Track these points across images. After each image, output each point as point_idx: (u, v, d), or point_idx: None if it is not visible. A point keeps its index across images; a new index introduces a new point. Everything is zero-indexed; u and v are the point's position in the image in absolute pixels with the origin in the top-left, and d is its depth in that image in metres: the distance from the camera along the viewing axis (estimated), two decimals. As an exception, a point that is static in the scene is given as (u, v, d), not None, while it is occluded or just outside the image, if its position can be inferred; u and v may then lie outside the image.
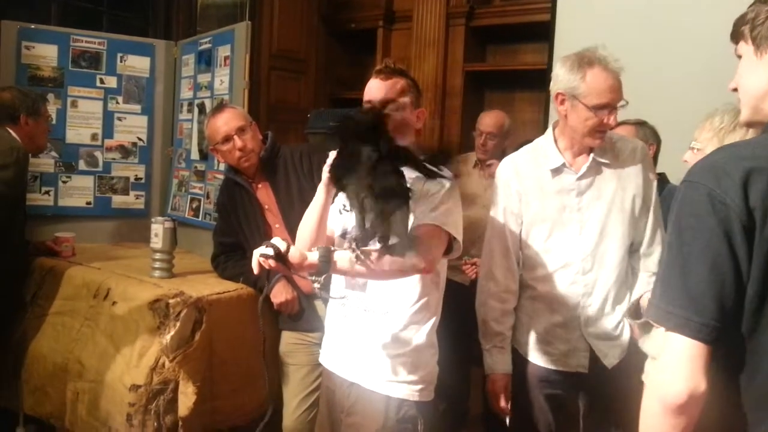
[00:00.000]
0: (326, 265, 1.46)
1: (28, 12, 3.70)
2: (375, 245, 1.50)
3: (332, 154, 1.58)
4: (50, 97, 3.34)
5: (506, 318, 2.01)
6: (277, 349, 2.49)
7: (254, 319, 2.46)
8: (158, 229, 2.59)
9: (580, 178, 1.90)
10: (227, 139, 2.42)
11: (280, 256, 1.44)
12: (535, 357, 1.99)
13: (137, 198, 3.65)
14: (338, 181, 1.47)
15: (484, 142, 3.23)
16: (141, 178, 3.65)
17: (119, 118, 3.58)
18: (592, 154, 1.89)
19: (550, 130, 1.99)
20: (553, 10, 3.02)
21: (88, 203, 3.52)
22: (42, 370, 2.67)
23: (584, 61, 1.81)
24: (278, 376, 2.46)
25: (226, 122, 2.43)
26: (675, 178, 2.13)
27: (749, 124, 1.15)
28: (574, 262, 1.91)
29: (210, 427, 2.42)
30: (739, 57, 1.13)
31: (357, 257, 1.47)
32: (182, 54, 3.62)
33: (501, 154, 3.22)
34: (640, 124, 2.38)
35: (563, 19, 2.98)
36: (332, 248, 1.54)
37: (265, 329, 2.25)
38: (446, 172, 1.72)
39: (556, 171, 1.93)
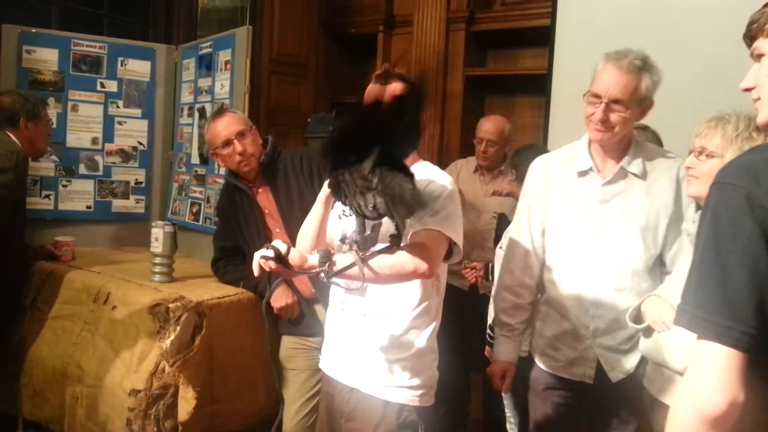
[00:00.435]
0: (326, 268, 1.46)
1: (29, 16, 3.71)
2: (375, 249, 1.50)
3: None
4: (51, 101, 3.36)
5: (518, 312, 2.00)
6: (278, 354, 2.48)
7: (254, 323, 2.47)
8: (158, 233, 2.59)
9: (605, 185, 1.87)
10: (227, 143, 2.42)
11: (281, 258, 1.44)
12: (542, 362, 1.99)
13: (137, 202, 3.65)
14: (336, 187, 1.46)
15: (485, 149, 3.20)
16: (141, 182, 3.65)
17: (120, 122, 3.58)
18: (621, 163, 1.86)
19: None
20: (553, 15, 3.02)
21: (89, 207, 3.52)
22: (41, 375, 2.67)
23: (609, 55, 1.81)
24: (278, 380, 2.46)
25: (226, 126, 2.43)
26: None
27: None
28: (588, 270, 1.88)
29: (210, 431, 2.41)
30: (759, 56, 1.09)
31: (361, 260, 1.47)
32: (183, 58, 3.63)
33: (503, 159, 3.22)
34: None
35: (563, 24, 2.99)
36: (332, 251, 1.54)
37: (270, 334, 2.26)
38: (445, 175, 1.72)
39: (583, 174, 1.90)
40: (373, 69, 4.19)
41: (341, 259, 1.49)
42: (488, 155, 3.20)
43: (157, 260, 2.63)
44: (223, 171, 2.89)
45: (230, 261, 2.60)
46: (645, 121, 1.98)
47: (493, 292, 2.08)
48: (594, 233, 1.88)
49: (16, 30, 3.32)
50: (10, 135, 2.70)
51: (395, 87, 1.74)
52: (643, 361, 1.83)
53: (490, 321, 2.50)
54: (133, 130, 3.62)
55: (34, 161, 3.05)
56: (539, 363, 1.99)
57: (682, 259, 1.77)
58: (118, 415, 2.33)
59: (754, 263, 0.94)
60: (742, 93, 1.15)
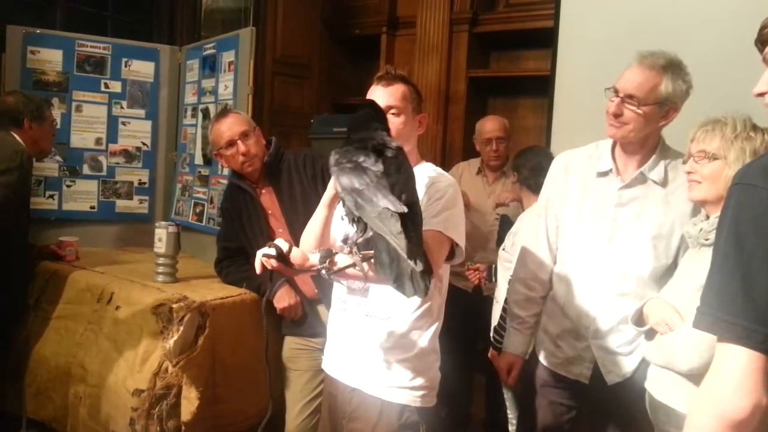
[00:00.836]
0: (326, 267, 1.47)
1: (33, 17, 3.73)
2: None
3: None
4: (55, 101, 3.37)
5: (530, 305, 2.01)
6: (281, 354, 2.49)
7: (257, 324, 2.47)
8: (162, 233, 2.60)
9: (623, 188, 1.86)
10: (231, 144, 2.42)
11: (282, 257, 1.45)
12: (543, 357, 1.99)
13: (141, 202, 3.66)
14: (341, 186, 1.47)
15: (496, 147, 3.20)
16: (145, 183, 3.66)
17: (123, 123, 3.59)
18: (642, 168, 1.84)
19: None
20: (556, 17, 3.02)
21: (92, 207, 3.54)
22: (45, 374, 2.67)
23: (639, 53, 1.80)
24: (281, 381, 2.46)
25: (230, 127, 2.44)
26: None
27: None
28: (595, 271, 1.88)
29: (212, 431, 2.42)
30: None
31: (361, 260, 1.47)
32: (186, 59, 3.64)
33: (507, 158, 3.23)
34: None
35: (567, 26, 2.98)
36: (334, 250, 1.54)
37: (269, 332, 2.27)
38: (448, 176, 1.73)
39: (603, 174, 1.89)
40: (376, 70, 4.16)
41: (342, 259, 1.50)
42: (500, 152, 3.21)
43: (161, 260, 2.64)
44: (226, 172, 2.90)
45: (233, 261, 2.60)
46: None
47: (508, 285, 2.09)
48: (605, 235, 1.86)
49: (21, 31, 3.34)
50: (15, 135, 2.71)
51: (397, 88, 1.75)
52: (641, 365, 1.83)
53: (494, 323, 2.50)
54: (136, 131, 3.63)
55: (38, 161, 3.06)
56: (540, 358, 2.00)
57: (684, 262, 1.77)
58: (122, 414, 2.33)
59: None
60: (746, 95, 1.15)
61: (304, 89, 4.45)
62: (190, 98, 3.58)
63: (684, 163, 1.73)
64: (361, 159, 1.41)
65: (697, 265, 1.65)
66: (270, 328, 2.35)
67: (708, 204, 1.68)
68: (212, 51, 3.41)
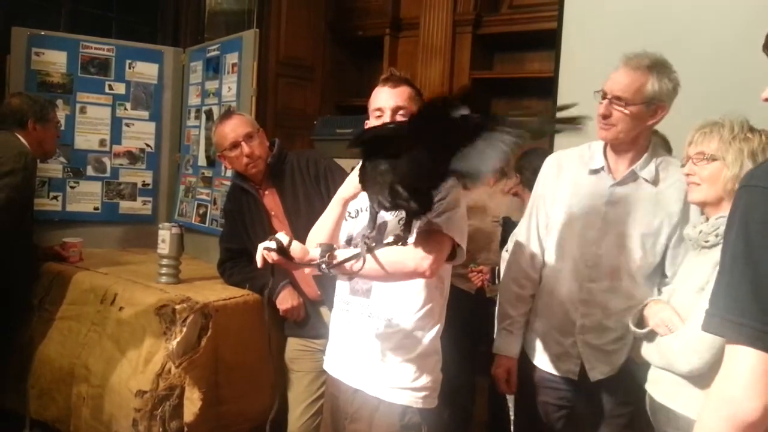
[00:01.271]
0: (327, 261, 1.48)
1: (37, 19, 3.74)
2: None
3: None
4: (59, 103, 3.38)
5: (520, 303, 2.02)
6: (284, 355, 2.49)
7: (260, 325, 2.47)
8: (165, 234, 2.60)
9: (614, 186, 1.88)
10: (235, 145, 2.43)
11: (283, 250, 1.46)
12: (533, 356, 2.01)
13: (144, 204, 3.66)
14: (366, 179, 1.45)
15: None
16: (148, 184, 3.67)
17: (127, 125, 3.60)
18: (633, 166, 1.86)
19: None
20: (560, 19, 3.02)
21: (96, 209, 3.54)
22: (48, 375, 2.68)
23: (624, 55, 1.82)
24: (284, 382, 2.46)
25: (233, 129, 2.44)
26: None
27: None
28: (584, 268, 1.90)
29: (215, 432, 2.42)
30: None
31: (367, 251, 1.48)
32: (190, 61, 3.65)
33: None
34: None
35: (570, 27, 2.98)
36: (334, 245, 1.55)
37: (272, 332, 2.27)
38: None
39: (594, 172, 1.91)
40: (379, 72, 4.19)
41: (342, 253, 1.50)
42: None
43: (164, 262, 2.65)
44: (229, 173, 2.90)
45: (236, 262, 2.60)
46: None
47: (500, 283, 2.10)
48: (595, 233, 1.89)
49: (26, 32, 3.35)
50: (19, 137, 2.72)
51: (403, 90, 1.75)
52: (626, 363, 1.85)
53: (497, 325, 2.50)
54: (140, 132, 3.63)
55: (43, 163, 3.07)
56: (530, 356, 2.01)
57: (684, 264, 1.78)
58: (124, 415, 2.34)
59: None
60: (748, 95, 1.15)
61: (308, 91, 4.46)
62: (193, 100, 3.59)
63: (682, 166, 1.74)
64: None
65: (697, 267, 1.66)
66: (273, 328, 2.35)
67: (707, 206, 1.69)
68: (216, 53, 3.42)
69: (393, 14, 4.37)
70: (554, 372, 1.95)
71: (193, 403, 2.29)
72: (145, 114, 3.65)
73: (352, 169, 1.64)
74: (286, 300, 2.40)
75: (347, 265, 1.51)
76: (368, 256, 1.49)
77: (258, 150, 2.44)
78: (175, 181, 3.70)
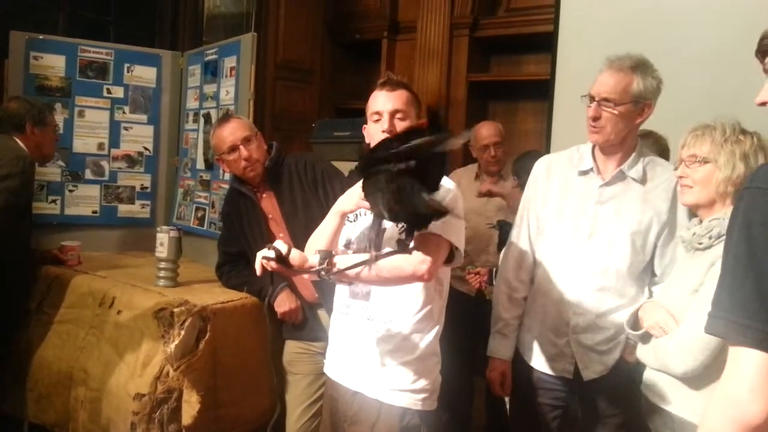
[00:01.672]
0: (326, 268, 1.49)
1: (36, 23, 3.75)
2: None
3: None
4: (57, 106, 3.38)
5: (512, 306, 2.04)
6: (281, 358, 2.49)
7: (258, 328, 2.48)
8: (163, 238, 2.61)
9: (603, 186, 1.91)
10: (233, 149, 2.43)
11: (282, 258, 1.47)
12: (528, 357, 2.02)
13: (143, 207, 3.67)
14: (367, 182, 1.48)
15: (494, 153, 3.22)
16: (147, 188, 3.67)
17: (126, 128, 3.61)
18: (621, 167, 1.89)
19: None
20: (556, 22, 3.03)
21: (94, 212, 3.55)
22: (47, 378, 2.68)
23: (608, 58, 1.86)
24: (282, 385, 2.47)
25: (232, 132, 2.45)
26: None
27: None
28: (575, 268, 1.92)
29: (213, 435, 2.42)
30: None
31: (376, 259, 1.49)
32: (188, 64, 3.66)
33: (505, 160, 3.25)
34: (647, 133, 2.37)
35: (566, 30, 2.99)
36: (333, 252, 1.56)
37: (271, 335, 2.28)
38: (448, 180, 1.74)
39: (584, 173, 1.95)
40: (377, 75, 4.22)
41: (341, 260, 1.51)
42: (498, 157, 3.23)
43: (162, 265, 2.65)
44: (227, 176, 2.90)
45: (234, 266, 2.61)
46: (646, 127, 1.99)
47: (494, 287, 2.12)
48: (585, 233, 1.91)
49: (24, 36, 3.35)
50: (17, 140, 2.73)
51: (401, 93, 1.76)
52: (619, 363, 1.87)
53: None
54: (138, 136, 3.64)
55: (41, 166, 3.07)
56: (526, 358, 2.02)
57: (676, 265, 1.79)
58: (123, 418, 2.34)
59: None
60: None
61: (306, 94, 4.47)
62: (191, 103, 3.60)
63: (675, 168, 1.76)
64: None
65: (691, 269, 1.67)
66: (271, 331, 2.36)
67: (700, 208, 1.71)
68: (214, 56, 3.42)
69: (391, 17, 4.38)
70: (550, 372, 1.97)
71: (191, 406, 2.29)
72: (144, 117, 3.65)
73: (350, 173, 1.66)
74: (283, 303, 2.40)
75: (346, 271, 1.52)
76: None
77: (256, 153, 2.44)
78: (174, 185, 3.70)
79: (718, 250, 1.59)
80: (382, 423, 1.70)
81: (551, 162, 2.06)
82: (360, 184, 1.53)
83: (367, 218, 1.70)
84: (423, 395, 1.72)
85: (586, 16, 2.93)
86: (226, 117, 2.65)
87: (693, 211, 1.78)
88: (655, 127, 2.31)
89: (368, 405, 1.72)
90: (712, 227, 1.63)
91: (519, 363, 2.04)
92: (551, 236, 1.98)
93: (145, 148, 3.66)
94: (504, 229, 2.76)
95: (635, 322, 1.78)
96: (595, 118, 1.84)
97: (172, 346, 2.29)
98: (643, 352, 1.74)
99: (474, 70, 4.09)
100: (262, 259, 1.49)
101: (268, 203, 2.50)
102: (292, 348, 2.48)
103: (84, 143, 3.51)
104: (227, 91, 3.29)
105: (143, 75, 3.63)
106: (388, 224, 1.65)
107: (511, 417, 2.20)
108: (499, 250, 2.75)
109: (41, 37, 3.42)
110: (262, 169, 2.47)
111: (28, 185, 2.70)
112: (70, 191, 3.49)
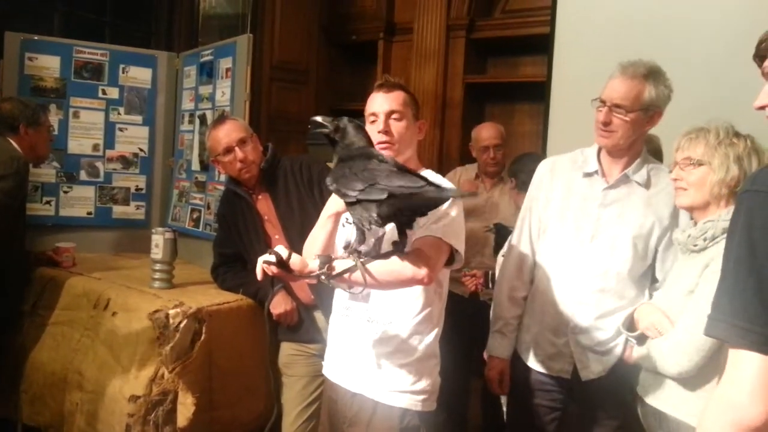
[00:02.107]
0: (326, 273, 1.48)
1: (31, 23, 3.73)
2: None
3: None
4: (52, 107, 3.37)
5: (512, 305, 2.05)
6: (277, 360, 2.48)
7: (254, 330, 2.47)
8: (159, 239, 2.60)
9: (607, 189, 1.91)
10: (228, 150, 2.43)
11: (282, 263, 1.47)
12: (526, 357, 2.02)
13: (138, 208, 3.66)
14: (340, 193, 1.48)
15: (494, 155, 3.23)
16: (142, 189, 3.66)
17: (121, 129, 3.59)
18: (626, 170, 1.90)
19: None
20: (552, 23, 3.03)
21: (89, 213, 3.53)
22: (41, 380, 2.67)
23: (621, 64, 1.86)
24: (277, 387, 2.46)
25: (227, 134, 2.44)
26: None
27: None
28: (576, 269, 1.92)
29: (209, 437, 2.42)
30: None
31: (360, 264, 1.48)
32: (184, 66, 3.65)
33: (504, 162, 3.25)
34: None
35: (563, 32, 3.00)
36: (333, 256, 1.55)
37: (272, 337, 2.27)
38: (447, 182, 1.74)
39: (588, 176, 1.95)
40: (373, 76, 4.22)
41: (341, 264, 1.51)
42: (497, 159, 3.24)
43: (157, 266, 2.64)
44: (223, 178, 2.90)
45: (230, 267, 2.60)
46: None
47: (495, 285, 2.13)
48: (588, 235, 1.92)
49: (19, 37, 3.34)
50: (11, 141, 2.72)
51: (398, 95, 1.77)
52: (618, 365, 1.87)
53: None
54: (134, 137, 3.63)
55: (36, 167, 3.06)
56: (524, 358, 2.02)
57: (674, 268, 1.79)
58: (118, 420, 2.33)
59: None
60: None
61: (302, 95, 4.46)
62: (187, 104, 3.59)
63: (670, 171, 1.77)
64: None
65: (686, 271, 1.68)
66: (270, 335, 2.35)
67: (695, 210, 1.71)
68: (209, 57, 3.42)
69: (387, 18, 4.37)
70: (548, 372, 1.97)
71: (186, 408, 2.29)
72: (139, 119, 3.64)
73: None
74: (279, 304, 2.40)
75: (347, 275, 1.52)
76: (367, 267, 1.50)
77: (251, 155, 2.44)
78: (169, 186, 3.69)
79: (713, 251, 1.60)
80: (382, 424, 1.70)
81: (555, 163, 2.06)
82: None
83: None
84: (423, 396, 1.72)
85: (582, 18, 2.93)
86: (221, 118, 2.65)
87: (689, 213, 1.78)
88: (652, 130, 2.32)
89: (367, 406, 1.73)
90: (707, 229, 1.63)
91: (517, 364, 2.04)
92: (553, 237, 1.98)
93: (141, 150, 3.65)
94: (500, 232, 2.76)
95: (631, 324, 1.78)
96: (606, 123, 1.84)
97: (168, 348, 2.28)
98: (638, 354, 1.74)
99: (470, 71, 4.09)
100: (263, 263, 1.48)
101: (264, 205, 2.49)
102: (287, 350, 2.47)
103: (79, 144, 3.50)
104: (223, 92, 3.28)
105: (138, 76, 3.62)
106: (387, 227, 1.65)
107: (509, 418, 2.21)
108: (495, 253, 2.76)
109: (36, 37, 3.41)
110: (258, 171, 2.47)
111: (23, 186, 2.69)
112: (65, 192, 3.48)
